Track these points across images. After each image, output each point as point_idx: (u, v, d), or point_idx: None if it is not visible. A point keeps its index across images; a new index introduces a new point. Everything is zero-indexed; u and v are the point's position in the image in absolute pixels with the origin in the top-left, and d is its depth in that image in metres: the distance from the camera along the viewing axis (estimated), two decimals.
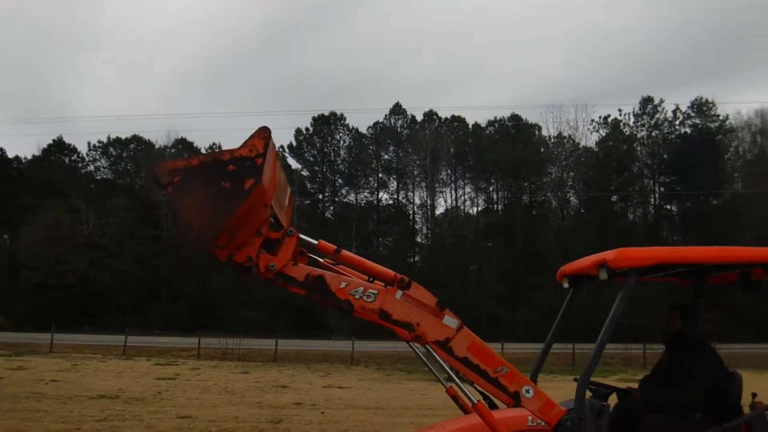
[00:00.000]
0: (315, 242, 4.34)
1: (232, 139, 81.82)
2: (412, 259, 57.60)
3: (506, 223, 59.93)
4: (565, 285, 5.45)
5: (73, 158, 64.62)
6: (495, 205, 65.55)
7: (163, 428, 10.89)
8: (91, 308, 50.59)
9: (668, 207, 63.44)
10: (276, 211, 4.25)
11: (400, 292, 4.19)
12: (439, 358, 4.17)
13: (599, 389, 4.95)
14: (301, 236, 4.29)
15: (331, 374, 23.03)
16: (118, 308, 51.01)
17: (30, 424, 10.72)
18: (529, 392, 4.10)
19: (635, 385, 5.34)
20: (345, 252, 4.37)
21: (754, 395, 5.03)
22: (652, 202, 63.20)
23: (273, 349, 28.49)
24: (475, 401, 4.06)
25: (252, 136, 3.87)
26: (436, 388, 19.17)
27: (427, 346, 4.22)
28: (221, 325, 46.68)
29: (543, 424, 4.21)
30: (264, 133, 3.88)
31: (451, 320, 4.19)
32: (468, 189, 64.96)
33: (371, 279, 4.34)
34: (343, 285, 4.20)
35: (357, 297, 4.17)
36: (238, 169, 3.77)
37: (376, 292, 4.18)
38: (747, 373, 5.21)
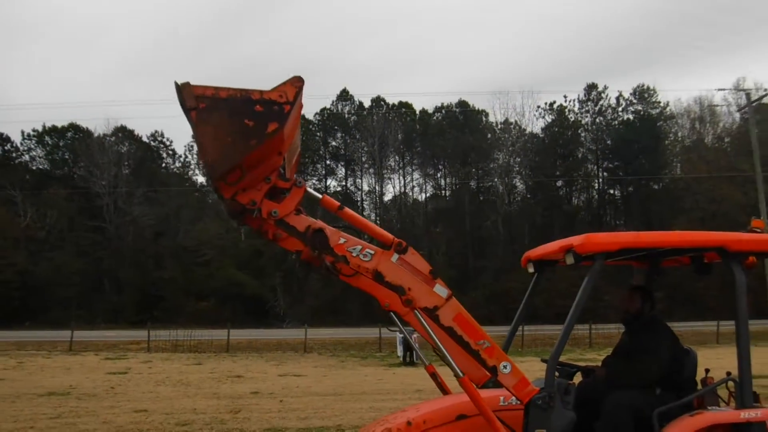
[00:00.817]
0: (319, 196, 4.38)
1: (175, 127, 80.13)
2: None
3: (454, 208, 60.65)
4: (530, 270, 5.61)
5: (6, 148, 61.81)
6: (443, 191, 66.22)
7: (119, 423, 10.70)
8: (31, 303, 48.92)
9: (611, 192, 65.36)
10: (286, 163, 4.27)
11: (396, 256, 4.25)
12: (426, 328, 4.20)
13: (565, 369, 5.14)
14: (308, 189, 4.33)
15: (285, 363, 22.99)
16: (60, 302, 49.50)
17: None
18: (506, 368, 4.21)
19: (596, 364, 5.57)
20: (347, 209, 4.42)
21: (707, 371, 5.33)
22: (596, 187, 64.96)
23: (225, 339, 28.20)
24: (462, 374, 4.15)
25: (285, 83, 3.87)
26: (391, 373, 19.45)
27: (414, 315, 4.28)
28: (168, 317, 45.92)
29: (514, 403, 4.36)
30: (298, 82, 3.88)
31: (441, 289, 4.26)
32: (416, 175, 65.50)
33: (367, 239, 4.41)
34: (342, 241, 4.24)
35: (354, 254, 4.21)
36: (264, 111, 3.78)
37: (372, 252, 4.24)
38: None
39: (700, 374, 5.21)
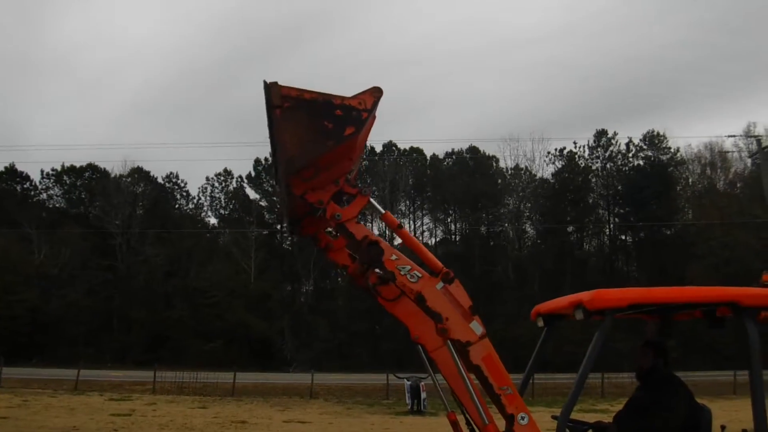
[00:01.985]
0: (382, 210, 4.46)
1: (190, 169, 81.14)
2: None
3: (464, 253, 60.42)
4: (540, 324, 5.58)
5: (25, 186, 62.84)
6: (453, 236, 66.15)
7: None
8: (40, 340, 48.91)
9: (623, 237, 64.89)
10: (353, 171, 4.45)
11: (441, 284, 4.28)
12: (456, 360, 4.17)
13: (576, 426, 5.03)
14: (372, 200, 4.43)
15: (290, 408, 22.65)
16: (69, 340, 49.41)
17: None
18: (524, 419, 4.14)
19: (608, 416, 5.43)
20: (405, 230, 4.55)
21: (722, 428, 5.21)
22: (607, 233, 64.59)
23: (230, 383, 27.89)
24: (487, 422, 4.08)
25: (365, 92, 4.05)
26: (398, 421, 19.10)
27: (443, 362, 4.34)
28: (175, 357, 45.63)
29: None
30: (377, 93, 4.06)
31: (477, 326, 4.27)
32: (426, 220, 65.59)
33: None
34: (393, 257, 4.30)
35: (402, 273, 4.26)
36: (343, 115, 3.98)
37: (420, 275, 4.28)
38: (705, 402, 5.37)
39: (716, 430, 5.09)
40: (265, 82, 3.96)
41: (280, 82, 4.01)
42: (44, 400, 22.46)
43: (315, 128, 3.94)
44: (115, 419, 17.61)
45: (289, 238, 65.12)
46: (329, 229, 4.59)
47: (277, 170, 4.57)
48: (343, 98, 4.01)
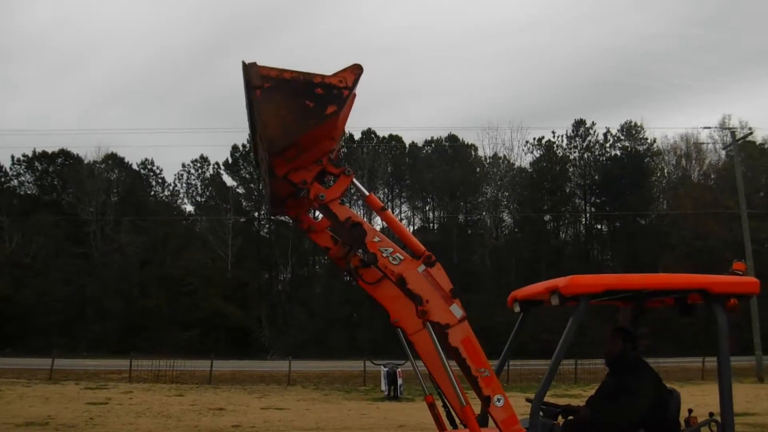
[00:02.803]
0: (366, 192, 4.48)
1: (166, 156, 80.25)
2: (347, 278, 57.54)
3: (442, 242, 60.64)
4: (516, 309, 5.66)
5: None
6: (431, 224, 66.38)
7: None
8: (12, 330, 48.19)
9: (598, 227, 65.74)
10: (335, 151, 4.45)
11: (423, 267, 4.30)
12: (435, 342, 4.22)
13: (549, 408, 5.13)
14: (355, 181, 4.45)
15: (268, 395, 22.66)
16: (42, 330, 48.79)
17: None
18: (500, 401, 4.20)
19: (581, 401, 5.56)
20: (389, 213, 4.52)
21: (690, 411, 5.34)
22: (584, 222, 65.37)
23: (208, 370, 27.80)
24: (465, 404, 4.14)
25: (345, 69, 4.02)
26: (375, 407, 19.24)
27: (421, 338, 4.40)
28: (151, 346, 45.29)
29: None
30: (357, 70, 4.04)
31: (457, 309, 4.30)
32: (405, 208, 65.71)
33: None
34: (376, 239, 4.32)
35: (384, 255, 4.29)
36: (324, 94, 3.94)
37: (402, 258, 4.30)
38: (675, 387, 5.50)
39: (684, 414, 5.23)
40: (243, 63, 3.92)
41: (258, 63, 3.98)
42: (18, 389, 22.20)
43: (296, 108, 3.92)
44: (91, 408, 17.49)
45: (267, 226, 64.97)
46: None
47: (258, 152, 4.57)
48: (323, 76, 3.99)
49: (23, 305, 49.17)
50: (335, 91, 3.97)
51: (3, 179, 61.49)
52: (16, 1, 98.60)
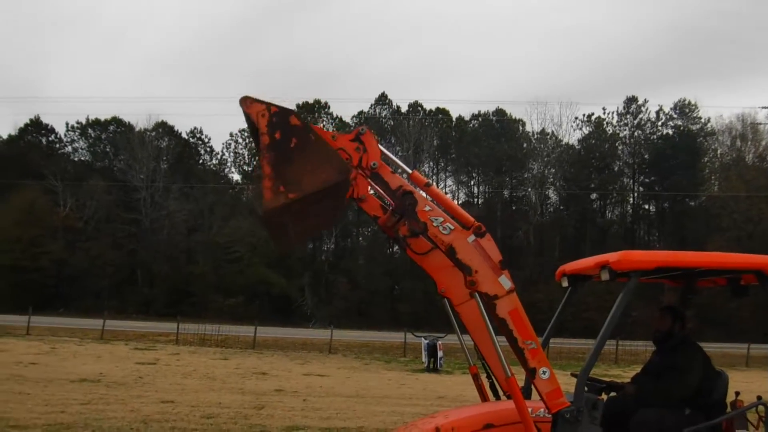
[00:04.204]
0: (409, 171, 4.48)
1: (212, 124, 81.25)
2: (390, 250, 57.80)
3: (486, 217, 60.15)
4: (564, 284, 5.61)
5: (50, 139, 63.35)
6: (475, 199, 65.88)
7: (146, 412, 10.90)
8: (66, 291, 50.16)
9: (646, 207, 64.27)
10: None
11: (473, 237, 4.32)
12: (483, 313, 4.24)
13: (594, 384, 5.12)
14: (398, 161, 4.51)
15: (309, 362, 23.11)
16: (94, 292, 50.58)
17: (13, 406, 10.67)
18: (545, 374, 4.21)
19: (622, 380, 5.53)
20: (434, 188, 4.53)
21: (737, 394, 5.27)
22: (631, 202, 63.94)
23: (251, 336, 28.47)
24: (510, 374, 4.18)
25: (246, 111, 3.99)
26: (414, 378, 19.43)
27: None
28: (197, 311, 46.60)
29: (541, 415, 4.36)
30: (247, 100, 3.99)
31: (506, 281, 4.30)
32: (449, 182, 65.23)
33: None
34: (427, 208, 4.33)
35: (434, 224, 4.31)
36: (281, 129, 3.93)
37: (452, 227, 4.32)
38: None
39: (731, 397, 5.16)
40: (262, 218, 3.97)
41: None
42: (72, 348, 23.14)
43: (301, 155, 3.91)
44: (140, 367, 18.15)
45: None
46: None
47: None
48: (261, 132, 3.91)
49: (76, 268, 50.96)
50: (275, 119, 3.93)
51: (57, 145, 63.29)
52: None
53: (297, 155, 3.88)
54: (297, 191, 3.82)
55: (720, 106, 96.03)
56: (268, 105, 3.94)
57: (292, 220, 4.29)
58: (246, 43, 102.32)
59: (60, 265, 50.64)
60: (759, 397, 4.85)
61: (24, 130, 62.20)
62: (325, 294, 52.91)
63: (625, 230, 61.75)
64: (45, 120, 62.39)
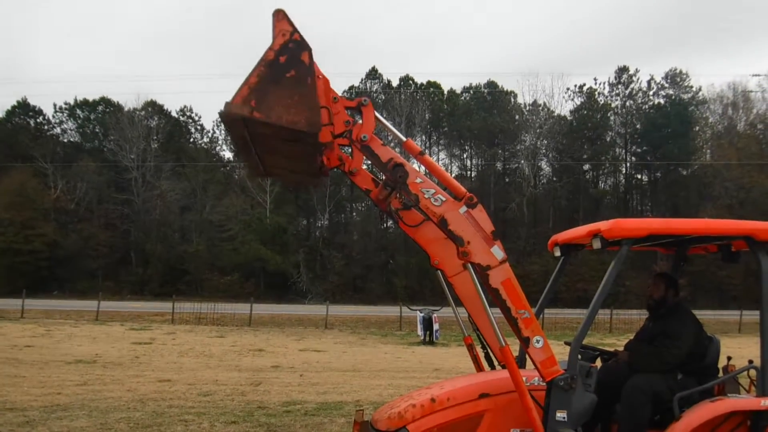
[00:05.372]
0: (404, 138, 4.43)
1: (202, 102, 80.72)
2: (384, 225, 57.87)
3: (479, 189, 60.22)
4: (557, 254, 5.62)
5: (38, 120, 62.66)
6: (468, 172, 65.83)
7: (144, 391, 10.94)
8: (59, 273, 50.06)
9: (639, 177, 64.44)
10: None
11: (464, 208, 4.31)
12: (477, 284, 4.24)
13: (587, 352, 5.16)
14: (394, 129, 4.43)
15: (305, 338, 23.22)
16: (88, 273, 50.56)
17: (9, 389, 10.69)
18: (539, 342, 4.22)
19: (617, 348, 5.57)
20: (427, 157, 4.50)
21: (729, 359, 5.34)
22: (624, 172, 64.10)
23: (247, 314, 28.54)
24: (504, 344, 4.18)
25: (275, 24, 3.94)
26: (410, 351, 19.56)
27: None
28: (192, 290, 46.77)
29: (536, 383, 4.39)
30: (281, 14, 3.96)
31: (498, 251, 4.30)
32: (442, 155, 65.06)
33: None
34: (418, 180, 4.31)
35: (426, 196, 4.29)
36: (289, 56, 3.87)
37: (444, 199, 4.31)
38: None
39: (722, 362, 5.22)
40: (221, 113, 3.79)
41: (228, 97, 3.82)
42: (67, 329, 23.17)
43: (290, 87, 3.82)
44: (137, 347, 18.20)
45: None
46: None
47: (271, 165, 4.61)
48: (272, 47, 3.87)
49: (69, 250, 50.81)
50: (291, 44, 3.88)
51: (46, 127, 62.64)
52: None
53: (285, 85, 3.81)
54: (263, 114, 3.75)
55: (711, 74, 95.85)
56: (294, 31, 3.92)
57: (259, 146, 4.24)
58: (234, 18, 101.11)
59: (53, 248, 50.48)
60: (750, 361, 4.90)
61: (11, 113, 61.44)
62: (321, 270, 53.02)
63: (618, 200, 61.97)
64: (32, 102, 61.69)
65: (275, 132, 3.91)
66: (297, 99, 3.81)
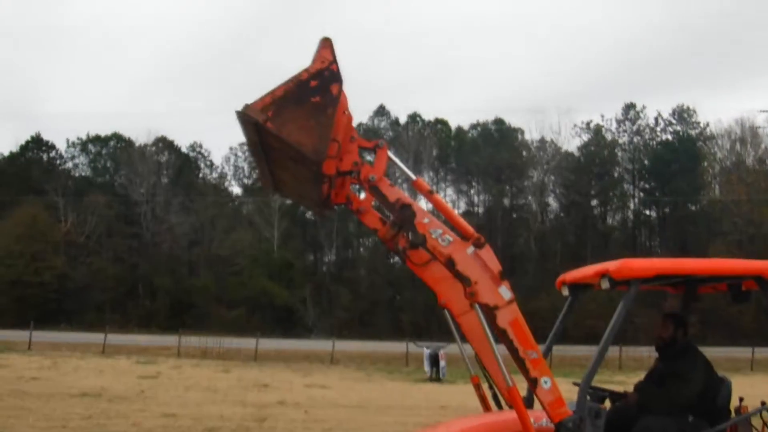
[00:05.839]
0: (414, 177, 4.44)
1: (212, 137, 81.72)
2: (392, 260, 57.85)
3: (487, 226, 60.24)
4: (565, 293, 5.60)
5: (51, 155, 63.64)
6: (476, 208, 65.95)
7: (148, 426, 10.87)
8: (68, 306, 50.11)
9: (647, 212, 64.33)
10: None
11: (472, 248, 4.28)
12: (484, 324, 4.20)
13: (596, 392, 5.10)
14: (393, 157, 4.42)
15: (311, 374, 23.03)
16: (95, 306, 50.62)
17: (14, 422, 10.64)
18: (547, 383, 4.17)
19: (626, 387, 5.51)
20: (436, 196, 4.51)
21: (741, 399, 5.25)
22: (632, 207, 64.01)
23: (253, 348, 28.41)
24: (511, 384, 4.15)
25: (318, 49, 4.01)
26: (417, 388, 19.37)
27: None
28: (199, 324, 46.52)
29: (544, 425, 4.34)
30: (327, 42, 4.03)
31: (506, 291, 4.26)
32: (450, 191, 65.29)
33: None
34: (426, 220, 4.29)
35: (433, 236, 4.26)
36: (320, 82, 3.93)
37: (451, 239, 4.28)
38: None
39: (735, 403, 5.14)
40: (237, 112, 3.85)
41: (249, 101, 3.87)
42: (73, 362, 23.10)
43: (309, 111, 3.88)
44: (142, 381, 18.10)
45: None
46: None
47: (281, 181, 4.64)
48: (307, 70, 3.94)
49: (78, 282, 50.99)
50: (326, 72, 3.95)
51: (58, 161, 63.56)
52: None
53: (306, 108, 3.88)
54: (275, 126, 3.81)
55: (719, 110, 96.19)
56: (333, 61, 3.99)
57: (270, 158, 4.30)
58: (243, 55, 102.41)
59: (62, 280, 50.67)
60: (763, 403, 4.84)
61: (25, 147, 62.46)
62: (327, 305, 52.85)
63: (626, 236, 61.76)
64: (45, 137, 62.86)
65: (282, 147, 3.97)
66: (312, 124, 3.87)
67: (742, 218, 50.25)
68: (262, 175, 4.76)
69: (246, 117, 3.84)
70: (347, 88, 4.14)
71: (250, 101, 3.86)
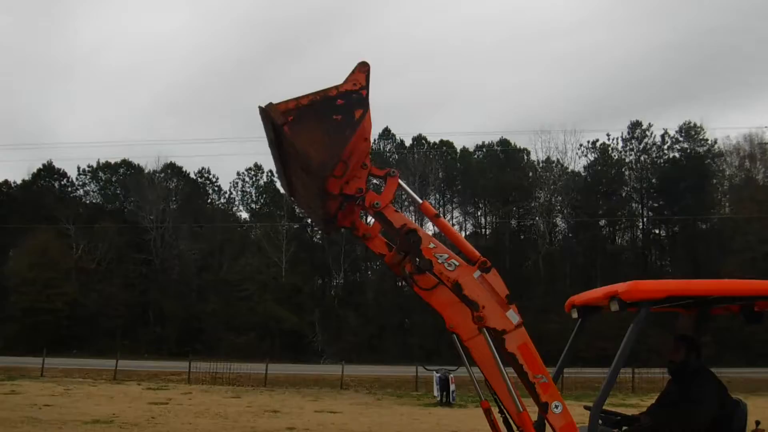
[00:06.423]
0: (420, 200, 4.52)
1: (220, 164, 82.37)
2: (400, 284, 57.68)
3: (494, 247, 60.09)
4: (574, 315, 5.58)
5: (62, 183, 64.49)
6: (483, 230, 65.87)
7: None
8: (79, 332, 50.27)
9: (656, 231, 63.86)
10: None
11: (478, 273, 4.31)
12: (492, 349, 4.22)
13: (608, 416, 5.07)
14: (403, 184, 4.47)
15: (321, 399, 22.88)
16: (106, 332, 50.70)
17: None
18: (557, 408, 4.17)
19: (639, 410, 5.48)
20: (442, 220, 4.59)
21: (757, 423, 5.20)
22: (641, 227, 63.60)
23: (263, 373, 28.29)
24: (522, 409, 4.14)
25: (353, 71, 4.08)
26: (427, 413, 19.21)
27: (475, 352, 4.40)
28: (209, 349, 46.45)
29: None
30: (364, 67, 4.09)
31: (513, 315, 4.29)
32: (456, 213, 65.30)
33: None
34: (431, 246, 4.32)
35: (440, 261, 4.29)
36: (346, 103, 4.00)
37: (457, 263, 4.32)
38: (739, 398, 5.34)
39: (750, 425, 5.09)
40: (260, 108, 3.95)
41: (274, 101, 4.00)
42: (85, 388, 23.08)
43: (327, 127, 3.96)
44: (153, 407, 18.04)
45: (320, 232, 65.55)
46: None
47: (293, 186, 4.70)
48: (337, 87, 4.03)
49: (89, 309, 51.23)
50: (354, 95, 4.02)
51: (70, 189, 64.26)
52: (73, 19, 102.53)
53: (325, 123, 3.96)
54: (293, 135, 3.91)
55: (726, 127, 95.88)
56: (364, 87, 4.07)
57: (284, 160, 4.37)
58: (250, 82, 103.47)
59: (73, 307, 50.93)
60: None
61: (37, 175, 63.44)
62: (336, 329, 52.67)
63: (636, 256, 61.32)
64: (57, 165, 63.90)
65: (293, 153, 4.06)
66: (326, 140, 3.95)
67: (754, 236, 49.83)
68: (279, 174, 4.85)
69: (267, 115, 3.95)
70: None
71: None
